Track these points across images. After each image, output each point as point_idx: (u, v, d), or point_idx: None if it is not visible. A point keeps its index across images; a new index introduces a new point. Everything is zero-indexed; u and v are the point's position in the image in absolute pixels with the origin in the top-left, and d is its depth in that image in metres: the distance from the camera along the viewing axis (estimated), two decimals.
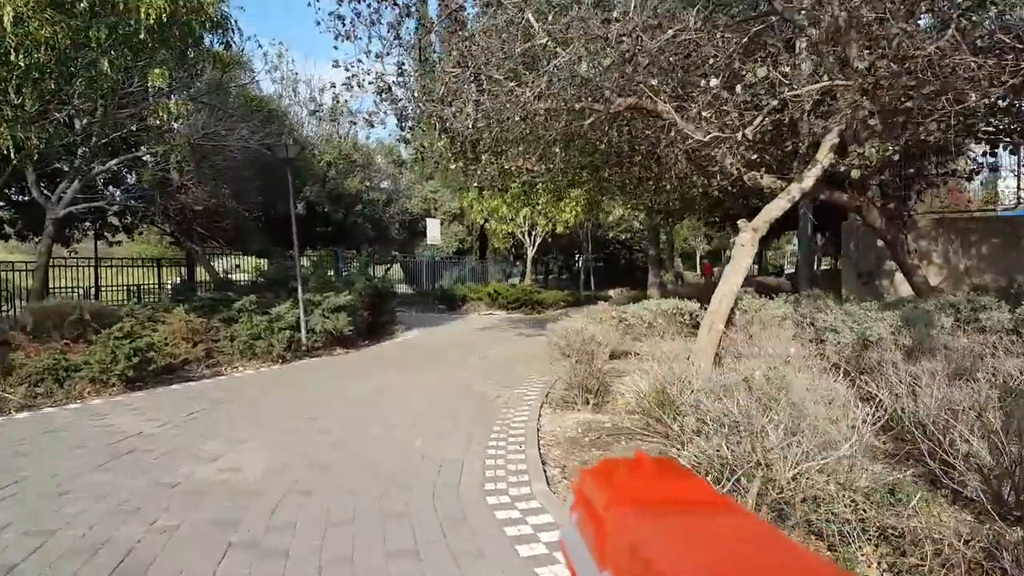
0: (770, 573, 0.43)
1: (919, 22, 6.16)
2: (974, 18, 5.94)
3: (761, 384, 3.62)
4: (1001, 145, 8.56)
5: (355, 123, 8.63)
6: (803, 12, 7.39)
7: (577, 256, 32.18)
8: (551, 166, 10.16)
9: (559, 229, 24.49)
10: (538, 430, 6.24)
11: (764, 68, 6.38)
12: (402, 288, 28.23)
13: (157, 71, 8.80)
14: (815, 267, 15.84)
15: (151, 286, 17.58)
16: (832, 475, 3.17)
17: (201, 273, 18.44)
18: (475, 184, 10.61)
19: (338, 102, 8.82)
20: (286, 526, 3.95)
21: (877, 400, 4.18)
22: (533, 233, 25.12)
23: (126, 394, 8.34)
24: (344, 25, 9.15)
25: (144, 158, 14.73)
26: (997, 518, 3.09)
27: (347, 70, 9.34)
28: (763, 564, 0.44)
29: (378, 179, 24.87)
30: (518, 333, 15.52)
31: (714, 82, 6.14)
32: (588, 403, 7.12)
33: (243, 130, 14.56)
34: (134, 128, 11.10)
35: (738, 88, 6.18)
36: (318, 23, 8.75)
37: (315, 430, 6.39)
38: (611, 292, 28.67)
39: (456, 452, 5.53)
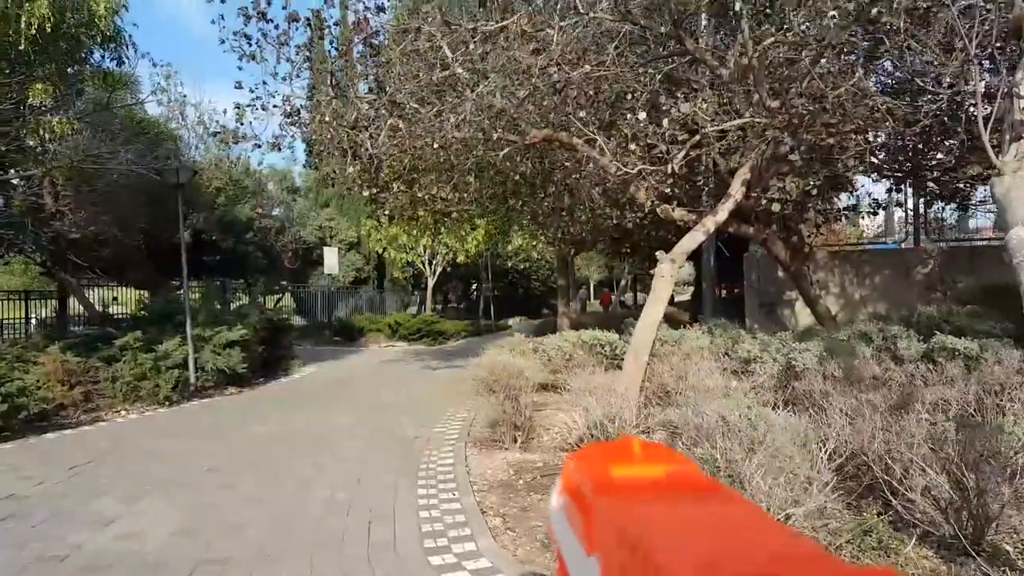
0: (759, 555, 0.42)
1: (824, 64, 6.43)
2: (874, 64, 6.31)
3: (738, 424, 3.50)
4: (906, 185, 9.18)
5: (259, 146, 8.09)
6: (711, 53, 7.66)
7: (475, 285, 32.02)
8: (464, 195, 9.95)
9: (460, 258, 24.28)
10: (467, 473, 5.90)
11: (688, 104, 6.47)
12: (294, 320, 26.99)
13: (39, 87, 7.87)
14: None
15: (17, 320, 15.75)
16: (809, 519, 3.07)
17: (74, 307, 16.76)
18: (385, 212, 10.19)
19: (241, 123, 8.22)
20: None
21: (824, 435, 4.17)
22: (434, 262, 24.75)
23: None
24: (250, 45, 8.62)
25: (13, 181, 13.25)
26: (970, 553, 3.09)
27: (252, 91, 8.80)
28: (752, 547, 0.43)
29: (270, 206, 23.73)
30: (424, 366, 15.05)
31: (642, 115, 6.15)
32: (516, 441, 6.85)
33: (128, 153, 13.39)
34: (2, 148, 9.90)
35: (665, 122, 6.22)
36: (222, 41, 8.16)
37: (221, 484, 5.73)
38: (511, 321, 28.65)
39: (384, 504, 5.09)
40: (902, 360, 6.27)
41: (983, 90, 4.09)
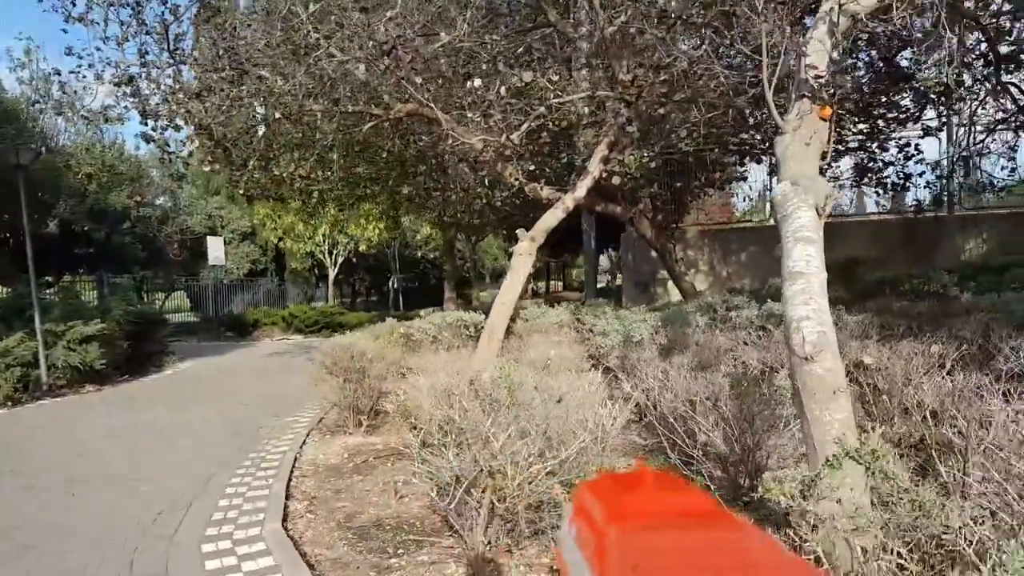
0: None
1: (677, 37, 6.39)
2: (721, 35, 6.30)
3: (486, 387, 3.35)
4: (749, 157, 9.37)
5: (87, 118, 7.42)
6: (573, 26, 7.55)
7: (388, 277, 31.36)
8: (329, 174, 9.53)
9: (363, 247, 23.66)
10: (295, 460, 5.58)
11: (529, 73, 6.32)
12: (186, 316, 25.66)
13: None
14: (613, 279, 16.54)
15: None
16: (563, 475, 2.95)
17: None
18: (241, 192, 9.64)
19: (65, 94, 7.52)
20: None
21: (629, 396, 4.09)
22: (334, 252, 24.03)
23: None
24: (75, 6, 7.95)
25: None
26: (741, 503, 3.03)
27: (80, 58, 8.14)
28: None
29: (152, 194, 22.40)
30: (309, 358, 14.48)
31: (477, 82, 5.95)
32: (361, 425, 6.58)
33: None
34: None
35: (502, 90, 6.03)
36: (40, 0, 7.50)
37: (18, 486, 5.20)
38: (421, 312, 28.18)
39: (188, 494, 4.72)
40: (734, 327, 6.36)
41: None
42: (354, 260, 26.56)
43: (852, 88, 5.82)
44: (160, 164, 8.72)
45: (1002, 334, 4.55)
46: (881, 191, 9.38)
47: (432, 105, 5.99)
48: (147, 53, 7.93)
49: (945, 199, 10.58)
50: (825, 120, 3.91)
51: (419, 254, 32.14)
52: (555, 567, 3.07)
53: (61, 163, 17.19)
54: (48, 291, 15.61)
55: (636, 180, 8.78)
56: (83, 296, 18.29)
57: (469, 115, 6.23)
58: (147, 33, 7.95)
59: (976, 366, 4.44)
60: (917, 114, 8.42)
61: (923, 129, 8.92)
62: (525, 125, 6.28)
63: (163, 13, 7.70)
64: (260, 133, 8.96)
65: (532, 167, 8.51)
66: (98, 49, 7.66)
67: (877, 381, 4.28)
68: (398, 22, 5.67)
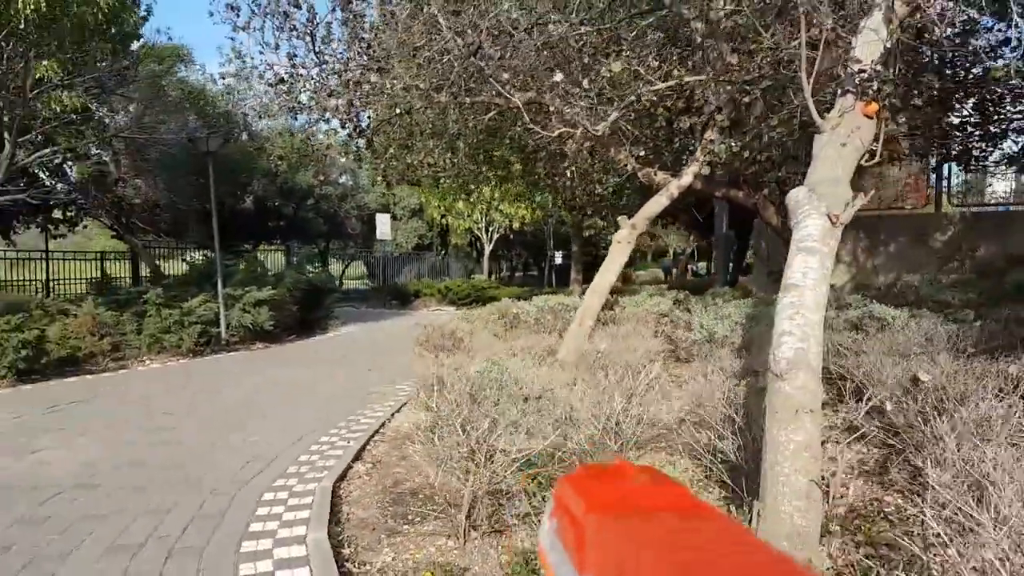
0: (739, 571, 0.44)
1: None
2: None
3: (473, 378, 3.59)
4: None
5: (250, 114, 8.63)
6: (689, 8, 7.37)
7: (547, 253, 32.08)
8: (455, 160, 10.11)
9: (515, 225, 24.43)
10: (382, 425, 6.20)
11: (619, 63, 6.34)
12: (362, 284, 28.13)
13: (45, 63, 8.70)
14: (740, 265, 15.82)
15: (100, 280, 17.44)
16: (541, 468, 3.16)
17: (145, 267, 18.32)
18: (381, 178, 10.53)
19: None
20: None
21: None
22: (490, 229, 25.05)
23: (14, 387, 8.32)
24: (239, 17, 9.10)
25: (78, 150, 14.62)
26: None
27: (243, 61, 9.36)
28: (741, 570, 0.45)
29: (334, 174, 24.68)
30: (485, 327, 15.45)
31: (559, 76, 6.09)
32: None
33: (174, 123, 14.45)
34: (38, 121, 11.00)
35: (584, 82, 6.13)
36: (211, 14, 8.68)
37: (161, 426, 6.32)
38: (574, 288, 28.61)
39: (281, 447, 5.50)
40: (830, 328, 6.00)
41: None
42: (511, 237, 27.45)
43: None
44: (339, 151, 9.73)
45: None
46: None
47: (513, 97, 6.22)
48: (295, 55, 8.92)
49: None
50: (870, 117, 3.65)
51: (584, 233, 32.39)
52: (535, 551, 3.28)
53: (255, 147, 19.53)
54: (238, 258, 17.88)
55: (761, 164, 8.40)
56: (271, 262, 20.89)
57: (552, 107, 6.38)
58: (297, 37, 8.93)
59: None
60: None
61: None
62: (612, 115, 6.32)
63: (308, 19, 8.62)
64: (396, 124, 9.72)
65: (642, 152, 8.44)
66: (260, 52, 8.70)
67: (930, 400, 3.95)
68: (486, 22, 5.94)
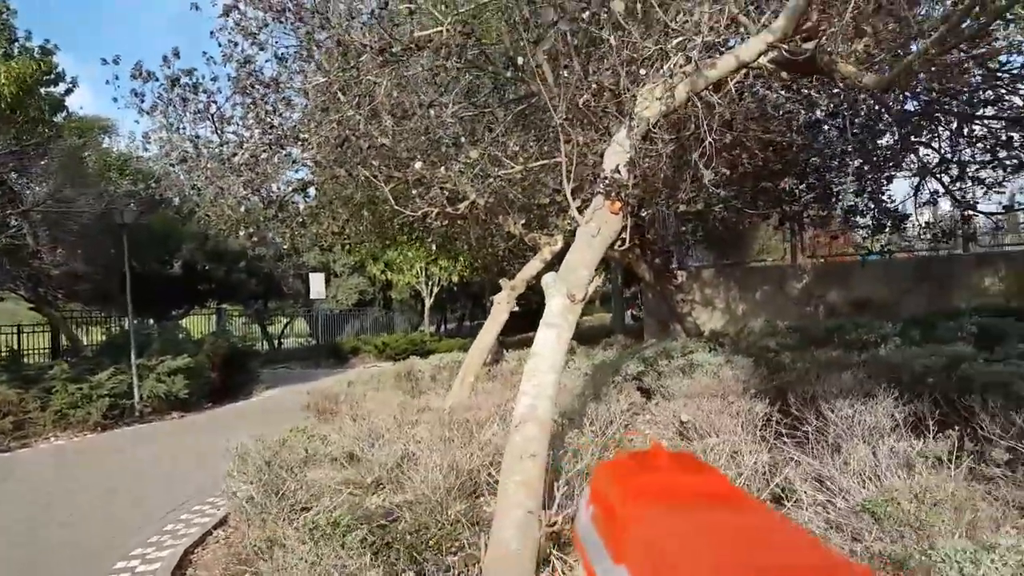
0: (784, 566, 0.42)
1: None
2: None
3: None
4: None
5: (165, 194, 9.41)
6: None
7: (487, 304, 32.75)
8: (360, 228, 10.91)
9: (454, 278, 25.24)
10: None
11: (476, 150, 7.26)
12: (308, 341, 28.42)
13: None
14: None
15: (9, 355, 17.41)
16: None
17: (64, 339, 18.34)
18: (287, 246, 11.31)
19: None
20: None
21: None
22: (430, 283, 25.78)
23: None
24: (143, 101, 9.83)
25: None
26: None
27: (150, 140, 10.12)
28: (777, 557, 0.43)
29: (269, 234, 25.24)
30: (377, 387, 15.98)
31: (418, 165, 6.98)
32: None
33: (94, 194, 14.96)
34: None
35: (441, 170, 7.03)
36: (115, 100, 9.42)
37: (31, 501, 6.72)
38: (519, 337, 29.35)
39: (144, 521, 6.05)
40: (660, 374, 6.88)
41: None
42: (455, 289, 28.22)
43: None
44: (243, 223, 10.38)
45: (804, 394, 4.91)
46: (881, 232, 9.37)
47: (379, 181, 7.08)
48: (198, 136, 9.67)
49: (955, 237, 10.26)
50: (615, 214, 4.55)
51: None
52: None
53: (186, 212, 20.03)
54: (161, 323, 18.18)
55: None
56: (204, 327, 21.20)
57: (414, 192, 7.26)
58: (199, 120, 9.71)
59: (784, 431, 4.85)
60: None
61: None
62: (464, 203, 7.21)
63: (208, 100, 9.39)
64: (300, 196, 10.53)
65: (523, 220, 9.34)
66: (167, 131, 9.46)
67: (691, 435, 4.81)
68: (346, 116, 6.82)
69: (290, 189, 10.24)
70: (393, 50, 5.98)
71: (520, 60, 6.49)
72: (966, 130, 8.49)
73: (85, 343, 17.76)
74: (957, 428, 4.33)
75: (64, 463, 9.06)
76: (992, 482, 4.22)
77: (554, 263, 9.81)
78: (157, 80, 9.30)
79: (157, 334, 14.72)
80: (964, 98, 7.78)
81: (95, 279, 16.30)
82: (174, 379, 12.66)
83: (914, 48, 5.53)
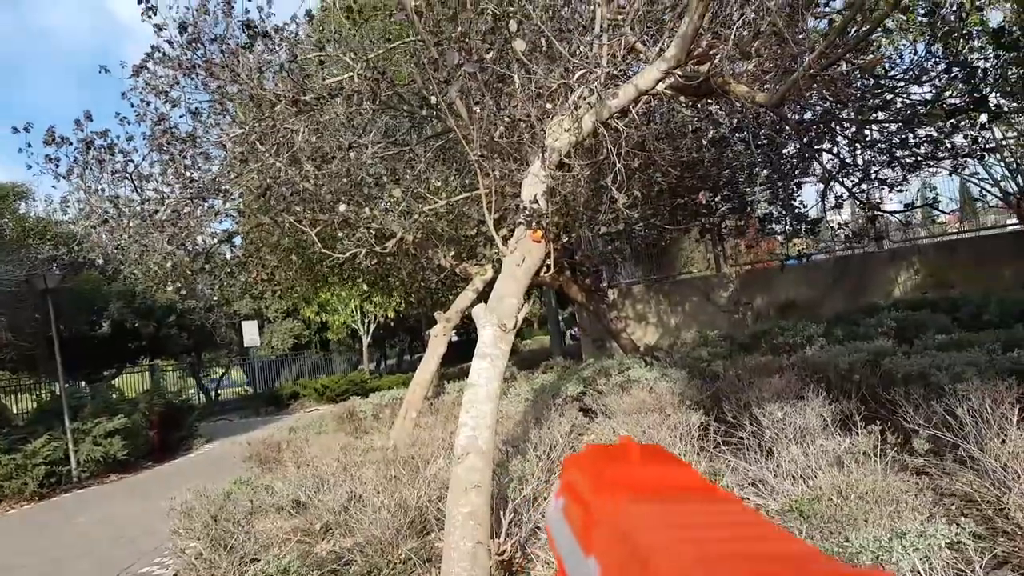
0: (756, 558, 0.42)
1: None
2: None
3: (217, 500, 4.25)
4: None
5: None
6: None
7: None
8: (289, 273, 10.79)
9: (390, 314, 25.03)
10: None
11: (399, 189, 7.32)
12: (242, 391, 27.64)
13: None
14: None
15: None
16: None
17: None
18: (216, 297, 11.08)
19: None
20: None
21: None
22: (366, 320, 25.50)
23: None
24: (57, 166, 9.54)
25: None
26: None
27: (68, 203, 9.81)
28: (749, 549, 0.43)
29: (198, 286, 24.58)
30: (319, 431, 15.68)
31: (342, 207, 6.99)
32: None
33: (12, 261, 14.36)
34: None
35: (367, 210, 7.06)
36: (29, 167, 9.11)
37: None
38: (462, 367, 29.28)
39: None
40: (600, 393, 7.02)
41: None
42: (392, 324, 27.97)
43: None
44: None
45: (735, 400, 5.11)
46: (795, 237, 9.85)
47: (305, 227, 7.07)
48: (117, 196, 9.44)
49: (866, 236, 10.86)
50: (538, 242, 4.69)
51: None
52: None
53: (111, 272, 19.35)
54: (94, 384, 17.49)
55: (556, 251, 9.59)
56: (137, 385, 20.42)
57: (341, 234, 7.26)
58: (117, 180, 9.47)
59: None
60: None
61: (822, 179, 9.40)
62: (391, 242, 7.25)
63: (125, 160, 9.20)
64: (226, 247, 10.36)
65: (452, 252, 9.43)
66: (85, 193, 9.21)
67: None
68: (266, 164, 6.80)
69: (216, 240, 10.10)
70: (307, 99, 6.00)
71: (433, 99, 6.64)
72: (865, 134, 9.04)
73: (15, 411, 16.87)
74: (881, 422, 4.58)
75: (5, 535, 8.62)
76: (921, 473, 4.48)
77: (487, 292, 9.93)
78: (71, 144, 9.12)
79: (90, 396, 14.16)
80: (856, 105, 8.26)
81: (20, 347, 15.61)
82: (111, 441, 12.20)
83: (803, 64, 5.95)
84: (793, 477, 4.34)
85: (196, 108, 7.85)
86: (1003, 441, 3.81)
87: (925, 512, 3.43)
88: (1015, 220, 11.95)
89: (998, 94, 9.16)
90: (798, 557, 0.43)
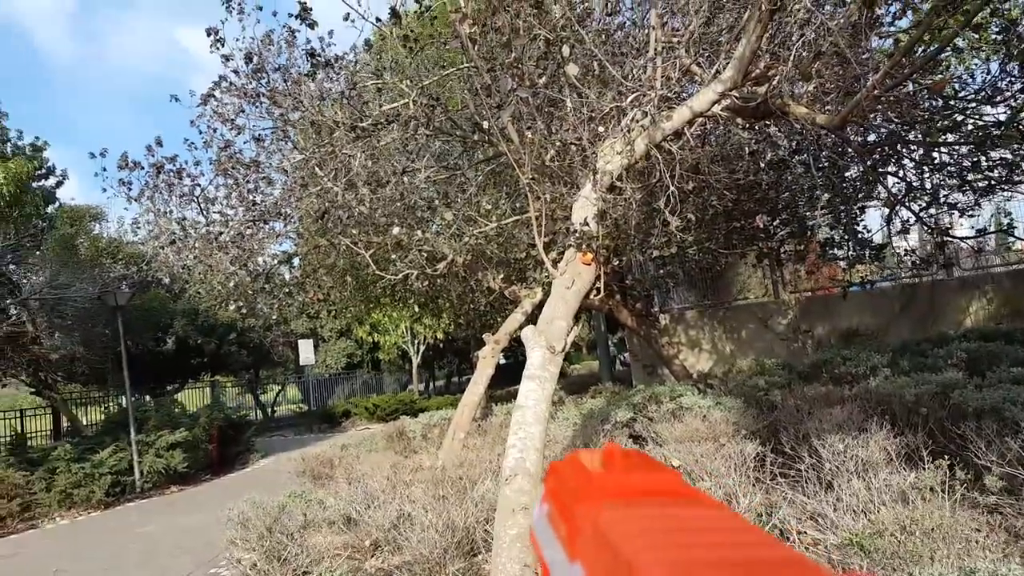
0: (741, 563, 0.43)
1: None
2: None
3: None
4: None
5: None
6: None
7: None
8: (344, 294, 11.00)
9: (439, 335, 25.24)
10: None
11: (450, 212, 7.41)
12: (299, 407, 28.23)
13: None
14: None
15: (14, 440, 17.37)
16: None
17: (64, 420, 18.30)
18: (275, 317, 11.39)
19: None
20: None
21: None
22: (416, 342, 25.75)
23: None
24: (130, 190, 10.02)
25: None
26: None
27: (139, 226, 10.27)
28: (733, 554, 0.44)
29: (259, 305, 25.34)
30: (370, 449, 15.84)
31: (396, 230, 7.10)
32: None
33: (87, 279, 15.12)
34: None
35: (418, 233, 7.15)
36: (104, 190, 9.58)
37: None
38: (509, 389, 29.23)
39: None
40: (651, 419, 6.88)
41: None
42: (441, 346, 28.18)
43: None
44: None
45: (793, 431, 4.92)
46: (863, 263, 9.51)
47: (359, 248, 7.20)
48: (184, 218, 9.85)
49: (935, 263, 10.41)
50: (588, 264, 4.65)
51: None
52: None
53: (177, 290, 20.14)
54: (158, 398, 18.13)
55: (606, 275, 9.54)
56: (198, 399, 21.10)
57: (394, 256, 7.37)
58: (185, 203, 9.89)
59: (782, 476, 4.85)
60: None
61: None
62: (442, 264, 7.32)
63: (192, 183, 9.61)
64: (285, 268, 10.68)
65: (501, 275, 9.46)
66: (154, 215, 9.66)
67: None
68: (325, 189, 6.98)
69: (275, 261, 10.42)
70: (364, 125, 6.15)
71: (485, 124, 6.70)
72: (933, 157, 8.71)
73: (85, 423, 17.68)
74: (949, 457, 4.35)
75: (71, 541, 9.00)
76: (993, 511, 4.22)
77: (535, 315, 9.91)
78: (143, 168, 9.57)
79: (154, 410, 14.65)
80: (924, 127, 7.99)
81: (92, 360, 16.39)
82: (173, 453, 12.60)
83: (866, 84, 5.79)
84: (854, 511, 4.15)
85: (259, 135, 8.14)
86: None
87: (997, 552, 3.22)
88: None
89: None
90: (784, 562, 0.43)
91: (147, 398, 19.30)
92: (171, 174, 9.48)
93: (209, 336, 21.24)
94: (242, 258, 9.81)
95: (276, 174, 9.25)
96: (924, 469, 4.23)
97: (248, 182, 9.26)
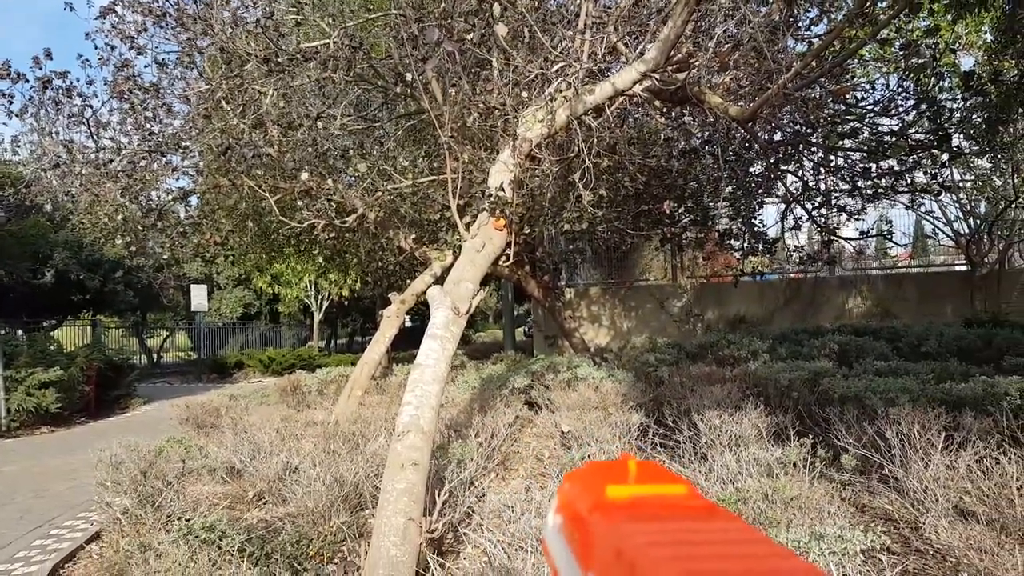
0: (756, 575, 0.43)
1: None
2: None
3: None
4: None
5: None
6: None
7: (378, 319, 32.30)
8: (244, 239, 10.57)
9: (344, 292, 24.73)
10: None
11: (364, 163, 7.22)
12: (185, 356, 27.05)
13: None
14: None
15: None
16: None
17: None
18: (166, 256, 10.81)
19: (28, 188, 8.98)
20: None
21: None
22: (320, 297, 25.15)
23: None
24: (11, 103, 9.16)
25: None
26: None
27: (19, 145, 9.42)
28: (748, 567, 0.44)
29: (150, 243, 23.93)
30: (261, 401, 15.43)
31: (304, 176, 6.87)
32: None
33: None
34: None
35: (328, 182, 6.95)
36: None
37: None
38: (411, 352, 29.11)
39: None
40: (547, 387, 7.07)
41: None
42: (346, 303, 27.63)
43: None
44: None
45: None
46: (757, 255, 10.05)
47: (265, 192, 6.92)
48: (71, 141, 9.10)
49: (820, 260, 11.16)
50: (500, 230, 4.69)
51: (423, 298, 33.06)
52: None
53: (59, 219, 18.68)
54: (31, 334, 16.89)
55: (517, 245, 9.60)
56: (77, 338, 19.81)
57: (300, 203, 7.14)
58: (73, 124, 9.14)
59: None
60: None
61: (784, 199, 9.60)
62: (352, 217, 7.16)
63: (83, 104, 8.88)
64: (181, 206, 10.10)
65: (413, 235, 9.35)
66: (38, 134, 8.86)
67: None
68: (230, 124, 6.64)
69: (170, 198, 9.83)
70: (279, 60, 5.87)
71: (408, 76, 6.55)
72: (830, 160, 9.25)
73: None
74: (813, 437, 4.73)
75: None
76: (847, 487, 4.64)
77: (444, 278, 9.91)
78: (27, 81, 8.76)
79: (26, 345, 13.59)
80: (825, 130, 8.46)
81: None
82: (45, 392, 11.81)
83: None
84: (723, 480, 4.44)
85: (163, 58, 7.62)
86: (926, 465, 3.96)
87: (844, 523, 3.54)
88: (963, 261, 12.41)
89: (961, 135, 9.49)
90: (798, 573, 0.42)
91: (19, 332, 17.91)
92: (60, 91, 8.74)
93: (93, 272, 19.92)
94: (133, 190, 9.20)
95: (178, 103, 8.69)
96: (789, 446, 4.58)
97: (146, 108, 8.65)
